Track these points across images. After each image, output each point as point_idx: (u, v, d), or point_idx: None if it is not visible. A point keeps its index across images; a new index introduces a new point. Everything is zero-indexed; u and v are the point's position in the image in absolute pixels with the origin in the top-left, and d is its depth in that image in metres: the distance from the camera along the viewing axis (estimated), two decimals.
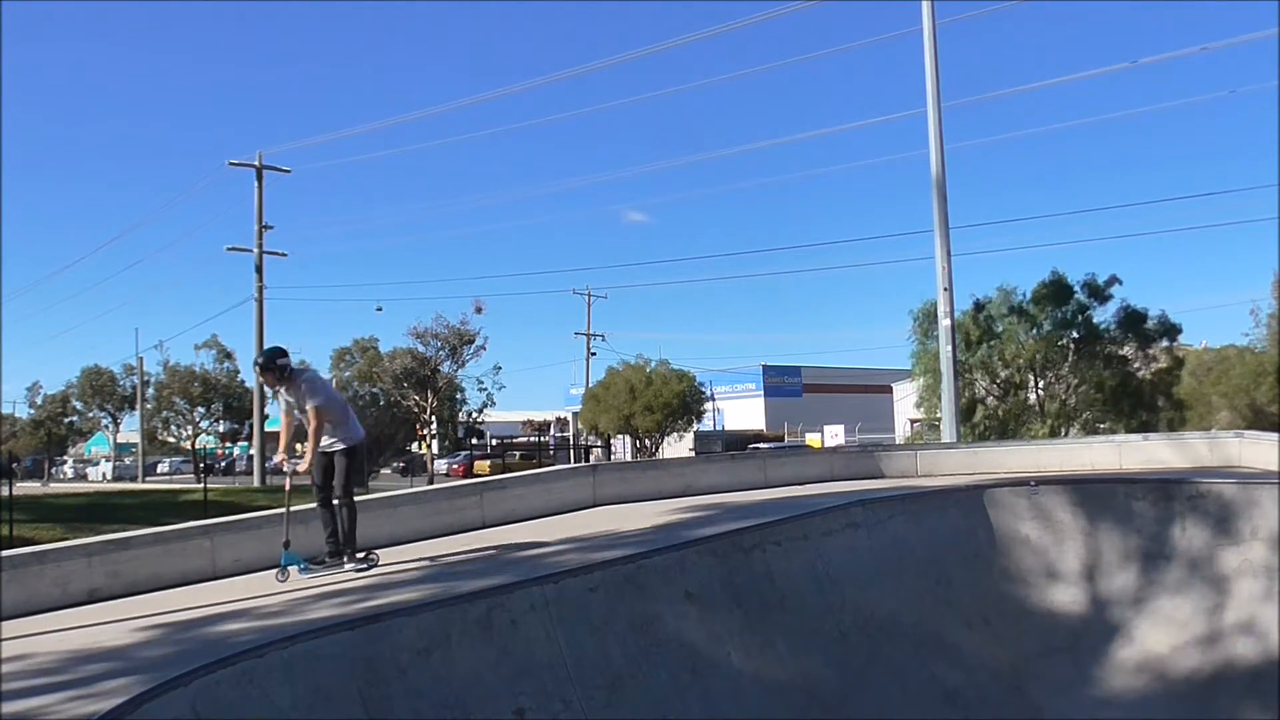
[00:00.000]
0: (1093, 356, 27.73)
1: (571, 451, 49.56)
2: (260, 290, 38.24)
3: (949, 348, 18.64)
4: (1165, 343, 28.82)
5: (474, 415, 48.67)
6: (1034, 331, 27.83)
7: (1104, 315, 28.34)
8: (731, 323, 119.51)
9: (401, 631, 5.79)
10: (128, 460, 64.91)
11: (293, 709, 5.05)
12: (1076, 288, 28.02)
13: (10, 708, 4.56)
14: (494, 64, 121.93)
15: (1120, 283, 28.20)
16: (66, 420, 70.37)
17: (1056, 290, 27.86)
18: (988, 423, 27.65)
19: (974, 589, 8.66)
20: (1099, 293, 28.05)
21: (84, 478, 63.46)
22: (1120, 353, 28.29)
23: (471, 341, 40.46)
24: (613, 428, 47.71)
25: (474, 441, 56.39)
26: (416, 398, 40.89)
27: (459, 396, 46.43)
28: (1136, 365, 28.60)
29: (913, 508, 9.36)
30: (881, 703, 7.29)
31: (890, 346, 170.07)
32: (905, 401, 42.28)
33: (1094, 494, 9.38)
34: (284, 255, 41.12)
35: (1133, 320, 28.14)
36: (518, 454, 47.90)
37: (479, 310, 41.18)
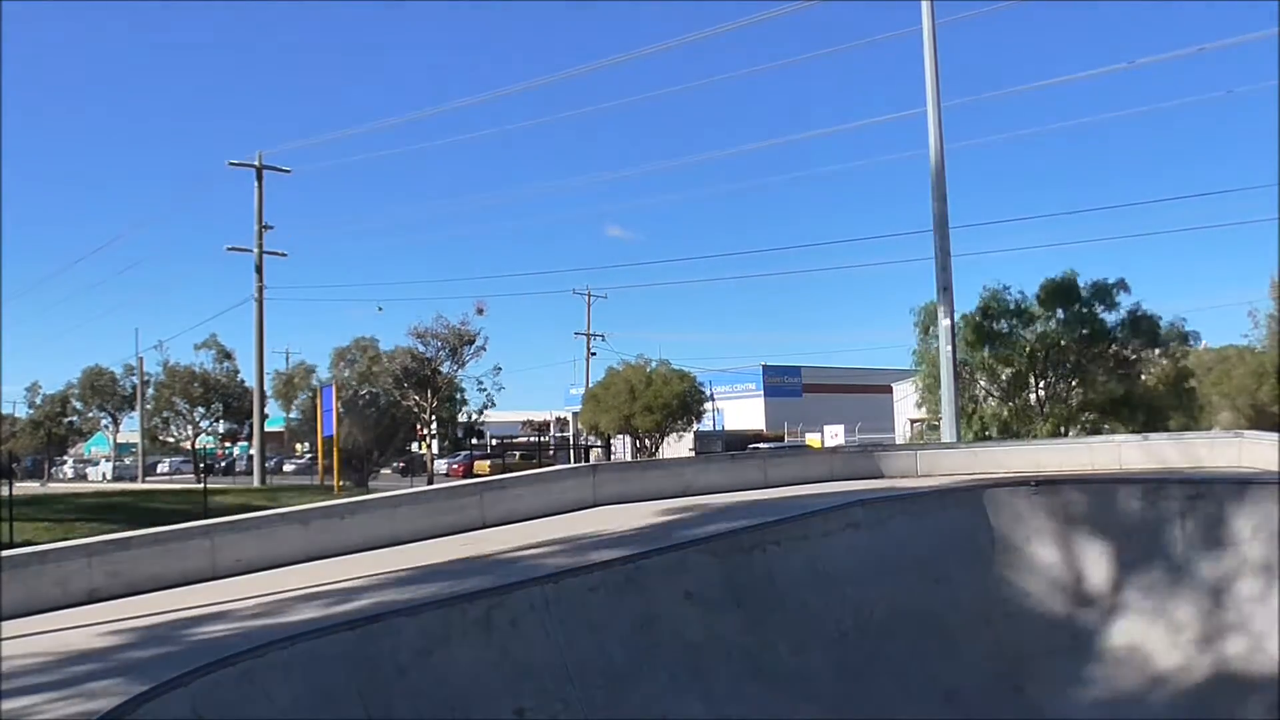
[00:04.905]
0: (1098, 359, 27.58)
1: (571, 451, 49.57)
2: (260, 290, 38.25)
3: (949, 348, 18.65)
4: (1177, 345, 28.60)
5: (474, 415, 48.62)
6: (1036, 331, 27.68)
7: (1114, 318, 28.09)
8: (731, 323, 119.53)
9: (401, 631, 5.80)
10: (128, 460, 64.89)
11: (293, 709, 5.05)
12: (1084, 288, 27.79)
13: (10, 705, 4.56)
14: (495, 64, 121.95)
15: (1128, 290, 27.93)
16: (66, 420, 70.28)
17: (1063, 290, 27.67)
18: (987, 423, 27.56)
19: (974, 589, 8.66)
20: (1105, 295, 27.83)
21: (84, 478, 63.42)
22: (1128, 355, 28.07)
23: (472, 342, 40.46)
24: (613, 428, 47.68)
25: (474, 441, 56.37)
26: (416, 398, 40.88)
27: (459, 397, 46.41)
28: (1140, 369, 28.41)
29: (913, 508, 9.36)
30: (881, 703, 7.29)
31: (890, 346, 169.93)
32: (905, 401, 42.26)
33: (1094, 494, 9.38)
34: (284, 255, 41.17)
35: (1140, 324, 27.88)
36: (518, 454, 47.92)
37: (480, 312, 41.19)
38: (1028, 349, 27.60)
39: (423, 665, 5.74)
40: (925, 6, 18.81)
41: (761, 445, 42.17)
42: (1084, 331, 27.45)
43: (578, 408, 55.16)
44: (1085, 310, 27.61)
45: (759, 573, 7.82)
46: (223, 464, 59.86)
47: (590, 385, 52.99)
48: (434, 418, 43.29)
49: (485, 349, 41.32)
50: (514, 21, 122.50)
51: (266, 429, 42.14)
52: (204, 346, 57.55)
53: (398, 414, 41.88)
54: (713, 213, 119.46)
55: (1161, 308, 30.98)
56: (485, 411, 47.41)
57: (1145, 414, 27.13)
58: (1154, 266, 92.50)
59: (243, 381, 57.39)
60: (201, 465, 48.81)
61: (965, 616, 8.39)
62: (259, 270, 38.29)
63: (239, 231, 65.49)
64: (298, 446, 61.79)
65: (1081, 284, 27.79)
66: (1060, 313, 27.66)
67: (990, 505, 9.43)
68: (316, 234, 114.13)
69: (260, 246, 38.43)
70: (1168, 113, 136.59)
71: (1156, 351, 28.70)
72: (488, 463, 45.77)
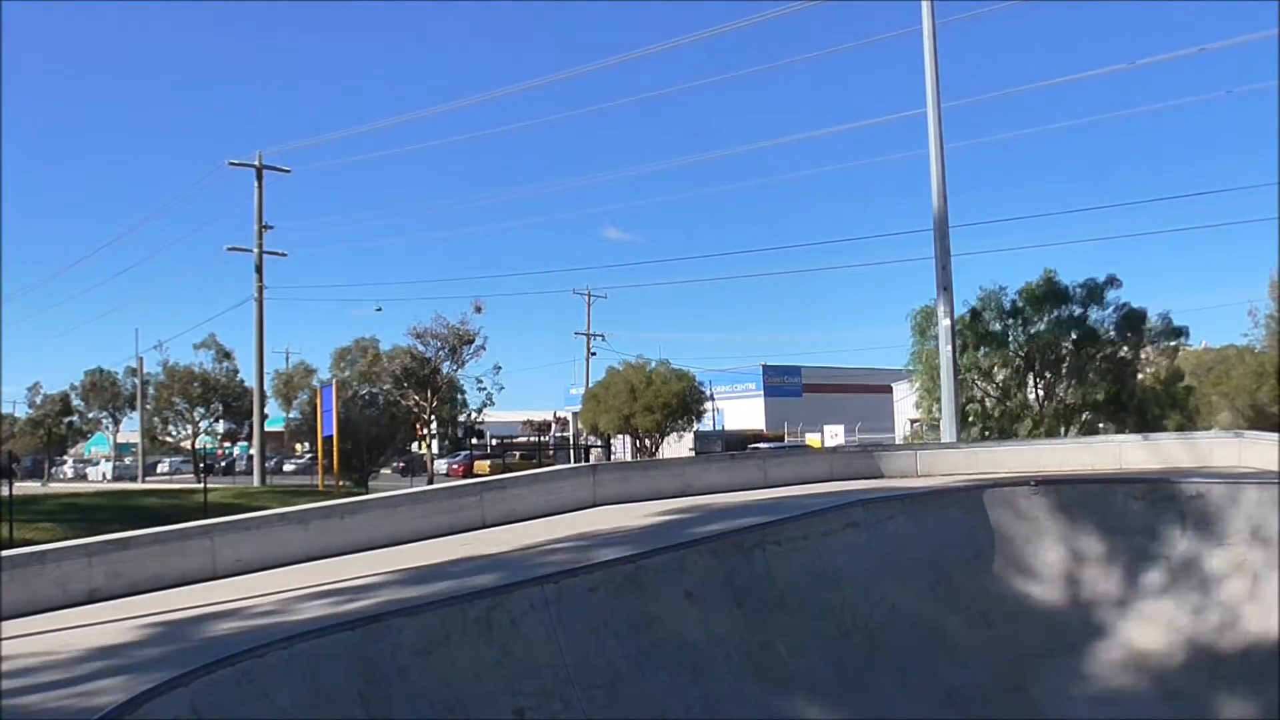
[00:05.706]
0: (1091, 358, 27.56)
1: (571, 451, 49.51)
2: (260, 290, 38.19)
3: (948, 348, 18.63)
4: (1169, 342, 28.55)
5: (474, 415, 48.60)
6: (1029, 332, 27.64)
7: (1103, 316, 28.08)
8: (731, 323, 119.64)
9: (401, 631, 5.80)
10: (128, 460, 64.86)
11: (293, 709, 5.05)
12: (1072, 289, 27.81)
13: (10, 704, 4.57)
14: (494, 64, 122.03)
15: (1119, 285, 27.97)
16: (66, 420, 70.25)
17: (1050, 291, 27.69)
18: (985, 423, 27.54)
19: (974, 589, 8.66)
20: (1095, 294, 27.84)
21: (84, 478, 63.39)
22: (1120, 354, 28.05)
23: (471, 341, 40.45)
24: (613, 428, 47.65)
25: (474, 441, 56.32)
26: (416, 398, 40.87)
27: (459, 397, 46.37)
28: (1135, 368, 28.36)
29: (913, 508, 9.36)
30: (881, 703, 7.29)
31: (890, 346, 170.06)
32: (905, 401, 42.23)
33: (1093, 494, 9.39)
34: (284, 255, 41.13)
35: (1132, 321, 27.90)
36: (518, 454, 47.91)
37: (478, 310, 41.23)
38: (1023, 350, 27.62)
39: (423, 665, 5.74)
40: (925, 6, 18.81)
41: (761, 445, 42.10)
42: (1077, 333, 27.46)
43: (578, 408, 55.14)
44: (1077, 310, 27.62)
45: (759, 573, 7.82)
46: (222, 464, 59.82)
47: (590, 385, 52.96)
48: (434, 417, 43.29)
49: (485, 349, 41.36)
50: (513, 22, 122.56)
51: (266, 429, 42.10)
52: (203, 346, 57.60)
53: (398, 414, 41.88)
54: (712, 213, 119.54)
55: (1162, 307, 30.93)
56: (485, 411, 47.39)
57: (1139, 413, 27.13)
58: (1154, 266, 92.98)
59: (242, 381, 57.39)
60: (201, 465, 48.76)
61: (965, 616, 8.39)
62: (259, 270, 38.25)
63: (239, 231, 65.49)
64: (298, 446, 61.74)
65: (1071, 283, 27.80)
66: (1051, 313, 27.65)
67: (990, 505, 9.43)
68: (316, 234, 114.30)
69: (260, 246, 38.38)
70: (1167, 112, 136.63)
71: (1149, 350, 28.67)
72: (488, 463, 45.74)
